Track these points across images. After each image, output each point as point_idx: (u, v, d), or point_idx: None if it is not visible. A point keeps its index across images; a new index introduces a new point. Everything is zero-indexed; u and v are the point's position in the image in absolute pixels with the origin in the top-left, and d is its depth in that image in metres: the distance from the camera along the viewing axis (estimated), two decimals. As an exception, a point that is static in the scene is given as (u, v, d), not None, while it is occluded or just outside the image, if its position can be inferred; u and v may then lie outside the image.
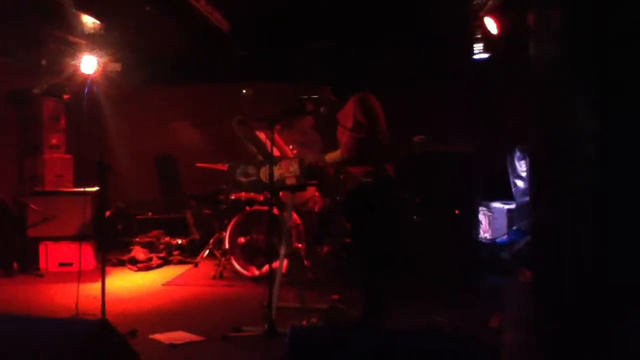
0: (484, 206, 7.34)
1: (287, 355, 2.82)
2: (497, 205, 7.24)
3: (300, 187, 4.47)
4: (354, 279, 4.75)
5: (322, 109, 4.81)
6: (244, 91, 6.72)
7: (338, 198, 5.70)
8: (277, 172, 4.32)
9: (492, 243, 6.92)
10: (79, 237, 6.08)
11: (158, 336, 4.28)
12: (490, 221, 7.31)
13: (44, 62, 6.54)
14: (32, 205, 6.49)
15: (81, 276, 5.03)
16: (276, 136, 4.56)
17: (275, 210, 5.50)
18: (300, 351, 2.80)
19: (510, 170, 7.18)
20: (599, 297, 2.41)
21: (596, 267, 2.43)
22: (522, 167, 7.04)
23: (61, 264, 6.46)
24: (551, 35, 2.62)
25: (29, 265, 6.42)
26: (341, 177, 4.97)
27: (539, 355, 2.70)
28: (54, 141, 7.07)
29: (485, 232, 7.32)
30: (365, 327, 3.92)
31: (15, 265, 6.35)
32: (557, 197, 2.59)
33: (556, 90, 2.65)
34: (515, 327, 3.27)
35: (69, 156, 7.12)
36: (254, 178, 4.50)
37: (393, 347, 2.45)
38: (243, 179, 4.55)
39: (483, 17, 6.09)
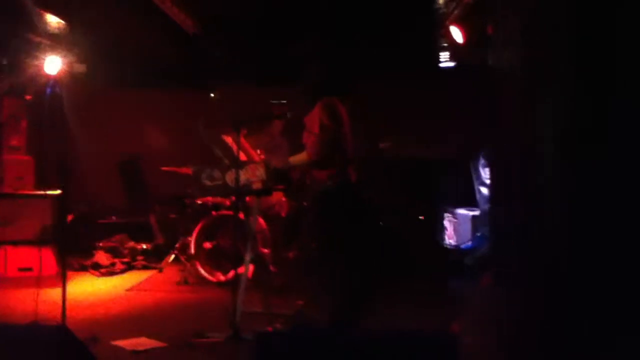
0: (450, 212, 7.42)
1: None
2: (462, 211, 7.32)
3: (266, 191, 4.46)
4: (319, 284, 4.74)
5: (289, 114, 4.82)
6: (212, 95, 6.68)
7: (305, 203, 5.70)
8: (243, 176, 4.30)
9: (457, 249, 7.00)
10: (39, 242, 5.94)
11: (120, 342, 4.21)
12: (456, 227, 7.39)
13: (4, 61, 6.37)
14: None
15: (41, 281, 4.92)
16: (243, 140, 4.54)
17: (241, 215, 5.46)
18: (265, 356, 2.78)
19: (474, 177, 7.27)
20: (558, 295, 2.46)
21: (554, 265, 2.48)
22: (486, 174, 7.13)
23: (20, 269, 6.30)
24: (509, 44, 2.69)
25: (-15, 270, 6.25)
26: (307, 181, 4.98)
27: (498, 356, 2.74)
28: (14, 142, 6.89)
29: (450, 238, 7.39)
30: (330, 332, 3.92)
31: (-28, 270, 6.18)
32: (513, 197, 2.65)
33: (514, 98, 2.71)
34: (474, 330, 3.32)
35: (29, 158, 6.95)
36: (219, 182, 4.46)
37: (358, 351, 2.45)
38: (209, 183, 4.51)
39: (449, 25, 6.17)
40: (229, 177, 4.37)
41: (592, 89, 2.43)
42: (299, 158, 4.30)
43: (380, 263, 5.30)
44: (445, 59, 6.74)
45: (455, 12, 5.99)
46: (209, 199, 6.14)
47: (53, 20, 6.36)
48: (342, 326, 4.02)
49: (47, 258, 6.26)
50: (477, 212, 7.16)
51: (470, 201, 7.27)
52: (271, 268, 5.88)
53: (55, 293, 4.75)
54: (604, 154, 2.38)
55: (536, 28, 2.58)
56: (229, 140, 5.06)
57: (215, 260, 6.01)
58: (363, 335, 2.79)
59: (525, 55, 2.62)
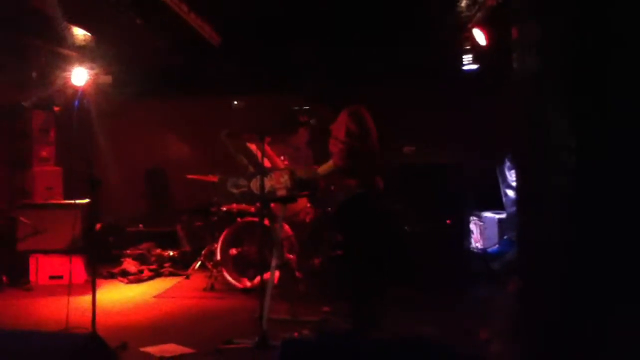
0: (476, 216, 7.37)
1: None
2: (488, 215, 7.26)
3: (291, 198, 4.49)
4: (345, 291, 4.75)
5: (312, 121, 4.85)
6: (235, 103, 6.74)
7: (329, 209, 5.71)
8: (268, 183, 4.33)
9: (484, 253, 6.94)
10: (69, 250, 6.05)
11: (149, 349, 4.26)
12: (482, 231, 7.34)
13: (34, 74, 6.52)
14: (22, 219, 6.44)
15: (72, 289, 5.00)
16: (267, 147, 4.58)
17: (267, 222, 5.50)
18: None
19: (500, 180, 7.22)
20: (585, 305, 2.44)
21: (579, 273, 2.46)
22: (512, 176, 7.08)
23: (51, 277, 6.41)
24: (531, 48, 2.68)
25: (18, 278, 6.37)
26: (332, 188, 5.00)
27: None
28: (43, 154, 7.05)
29: (476, 242, 7.34)
30: (355, 339, 3.92)
31: (4, 278, 6.30)
32: (539, 205, 2.63)
33: (535, 103, 2.70)
34: (501, 337, 3.29)
35: (58, 169, 7.09)
36: (244, 189, 4.51)
37: (382, 358, 2.46)
38: (234, 191, 4.56)
39: (472, 28, 6.14)
40: (254, 184, 4.41)
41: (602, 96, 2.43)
42: (326, 167, 4.33)
43: (405, 269, 5.30)
44: (468, 62, 6.70)
45: (479, 14, 5.96)
46: (234, 206, 6.18)
47: (80, 33, 6.49)
48: (366, 333, 4.02)
49: (77, 266, 6.37)
50: (503, 215, 7.11)
51: (496, 204, 7.22)
52: (297, 274, 5.89)
53: (85, 300, 4.84)
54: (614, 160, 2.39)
55: (556, 34, 2.57)
56: (253, 147, 5.10)
57: (241, 266, 6.04)
58: (387, 343, 2.79)
59: (545, 61, 2.61)
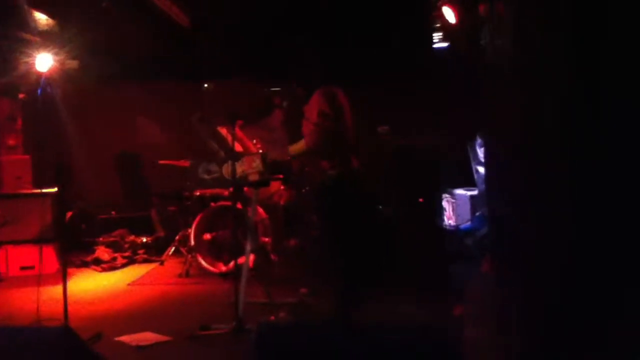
0: (448, 193, 7.43)
1: (253, 351, 2.81)
2: (460, 192, 7.33)
3: (263, 182, 4.46)
4: (322, 273, 4.76)
5: (284, 103, 4.81)
6: (205, 86, 6.66)
7: (304, 190, 5.71)
8: (239, 168, 4.30)
9: (456, 229, 7.01)
10: (39, 240, 5.95)
11: (124, 338, 4.24)
12: (454, 208, 7.40)
13: (-5, 60, 6.34)
14: (-10, 209, 6.31)
15: (44, 279, 4.94)
16: (238, 131, 4.54)
17: (240, 206, 5.47)
18: (266, 347, 2.80)
19: (471, 157, 7.27)
20: (561, 285, 2.47)
21: (551, 252, 2.49)
22: (482, 154, 7.13)
23: (22, 268, 6.31)
24: (500, 27, 2.67)
25: (-13, 270, 6.27)
26: (306, 169, 4.98)
27: (499, 343, 2.76)
28: (11, 142, 6.88)
29: (449, 219, 7.41)
30: (333, 322, 3.95)
31: (-26, 270, 6.19)
32: (508, 189, 2.65)
33: (506, 82, 2.70)
34: (475, 316, 3.33)
35: (27, 157, 6.94)
36: (216, 175, 4.47)
37: (360, 342, 2.47)
38: (206, 176, 4.52)
39: (441, 6, 6.13)
40: (226, 169, 4.37)
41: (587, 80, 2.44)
42: (297, 147, 4.30)
43: (381, 250, 5.33)
44: (438, 40, 6.70)
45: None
46: (207, 191, 6.14)
47: (42, 18, 6.32)
48: (343, 315, 4.04)
49: (48, 256, 6.26)
50: (475, 192, 7.18)
51: (468, 181, 7.28)
52: (272, 257, 5.90)
53: (57, 290, 4.78)
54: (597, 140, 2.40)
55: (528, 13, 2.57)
56: (224, 131, 5.05)
57: (215, 251, 6.02)
58: (364, 325, 2.81)
59: (516, 39, 2.61)
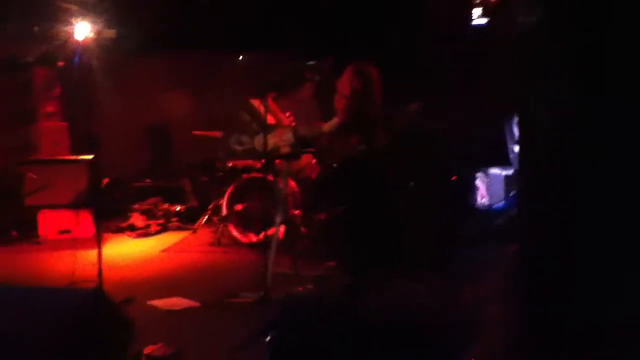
0: (482, 172, 7.34)
1: (280, 321, 2.86)
2: (495, 171, 7.23)
3: (294, 155, 4.47)
4: (347, 247, 4.78)
5: (316, 77, 4.79)
6: (240, 58, 6.64)
7: (334, 165, 5.70)
8: (271, 140, 4.32)
9: (490, 209, 6.94)
10: (75, 205, 6.10)
11: (155, 302, 4.34)
12: (488, 187, 7.32)
13: (36, 28, 6.45)
14: (29, 174, 6.47)
15: (80, 243, 5.08)
16: (271, 103, 4.54)
17: (271, 178, 5.50)
18: (293, 318, 2.84)
19: (508, 136, 7.16)
20: (585, 268, 2.44)
21: (576, 238, 2.46)
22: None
23: (60, 232, 6.50)
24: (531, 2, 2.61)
25: (28, 233, 6.46)
26: (336, 144, 4.98)
27: (521, 328, 2.74)
28: (49, 109, 7.02)
29: (482, 199, 7.33)
30: (353, 295, 3.97)
31: (14, 233, 6.40)
32: (537, 166, 2.61)
33: (537, 59, 2.64)
34: (500, 298, 3.31)
35: (64, 124, 7.09)
36: (248, 147, 4.50)
37: (380, 317, 2.49)
38: (238, 148, 4.55)
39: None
40: (257, 141, 4.40)
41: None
42: (331, 124, 4.31)
43: (408, 226, 5.29)
44: (477, 16, 6.57)
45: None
46: (239, 162, 6.19)
47: (82, -14, 6.39)
48: (362, 289, 4.06)
49: (84, 221, 6.44)
50: (510, 172, 7.08)
51: (503, 160, 7.17)
52: (302, 230, 5.93)
53: (92, 254, 4.90)
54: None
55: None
56: (256, 103, 5.06)
57: (246, 222, 6.08)
58: (387, 298, 2.82)
59: (549, 13, 2.54)
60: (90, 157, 6.19)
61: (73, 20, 5.97)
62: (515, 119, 7.02)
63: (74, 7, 6.33)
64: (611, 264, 2.39)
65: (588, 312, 2.43)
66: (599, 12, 2.39)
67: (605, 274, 2.40)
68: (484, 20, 6.44)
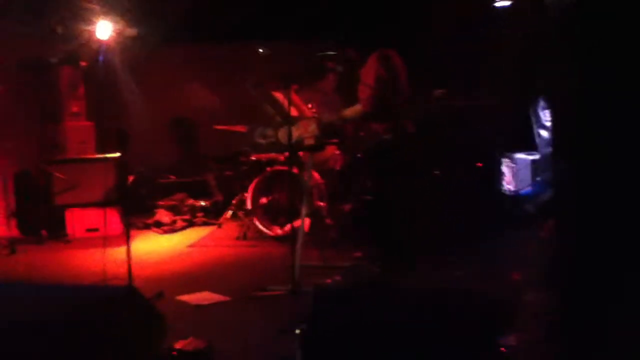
0: (508, 157, 7.24)
1: (310, 313, 2.85)
2: (520, 156, 7.12)
3: (318, 147, 4.45)
4: (374, 236, 4.75)
5: (339, 67, 4.75)
6: (260, 50, 6.62)
7: (359, 155, 5.66)
8: (295, 132, 4.31)
9: (516, 195, 6.84)
10: (103, 203, 6.16)
11: (185, 297, 4.36)
12: (514, 172, 7.21)
13: (59, 29, 6.51)
14: (56, 174, 6.56)
15: (108, 241, 5.12)
16: (294, 95, 4.51)
17: (296, 170, 5.49)
18: (323, 309, 2.83)
19: (534, 120, 7.04)
20: (617, 254, 2.38)
21: (615, 224, 2.40)
22: (546, 116, 6.89)
23: (88, 230, 6.58)
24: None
25: (57, 232, 6.55)
26: (361, 133, 4.94)
27: (555, 311, 2.69)
28: (74, 109, 7.10)
29: (508, 184, 7.23)
30: (385, 284, 3.95)
31: (44, 232, 6.49)
32: (577, 151, 2.54)
33: (571, 40, 2.57)
34: (534, 284, 3.26)
35: (90, 123, 7.16)
36: (272, 139, 4.49)
37: (411, 305, 2.46)
38: (262, 141, 4.55)
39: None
40: (281, 134, 4.38)
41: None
42: (354, 110, 4.27)
43: (436, 214, 5.24)
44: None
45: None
46: (263, 155, 6.18)
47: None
48: (395, 277, 4.03)
49: (112, 219, 6.50)
50: (536, 157, 6.97)
51: (529, 144, 7.06)
52: (328, 221, 5.92)
53: (121, 252, 4.95)
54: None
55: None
56: (279, 96, 5.03)
57: (272, 214, 6.09)
58: (416, 288, 2.79)
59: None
60: (116, 154, 6.25)
61: (95, 20, 5.99)
62: (542, 103, 6.92)
63: (95, 7, 6.36)
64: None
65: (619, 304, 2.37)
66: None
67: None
68: (507, 3, 6.32)
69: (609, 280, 2.40)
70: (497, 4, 6.42)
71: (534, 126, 7.05)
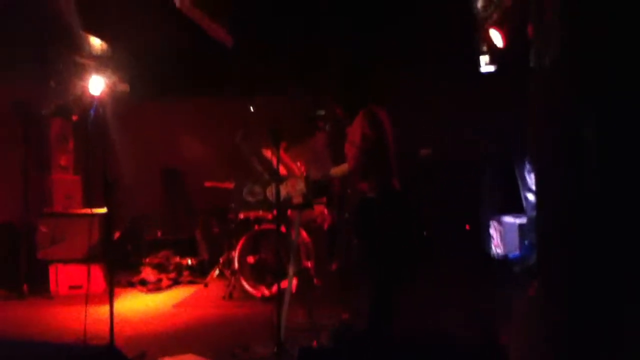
0: (496, 220, 7.26)
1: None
2: (508, 219, 7.15)
3: (306, 205, 4.43)
4: (362, 295, 4.68)
5: (327, 126, 4.79)
6: (251, 108, 6.70)
7: (347, 215, 5.65)
8: (283, 190, 4.29)
9: (505, 258, 6.83)
10: (87, 260, 6.07)
11: (167, 359, 4.24)
12: (502, 236, 7.22)
13: (52, 82, 6.57)
14: (41, 228, 6.48)
15: (91, 299, 5.00)
16: (282, 153, 4.53)
17: (284, 229, 5.46)
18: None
19: (521, 184, 7.10)
20: (604, 294, 2.37)
21: (599, 265, 2.39)
22: (532, 179, 6.96)
23: (71, 287, 6.43)
24: (550, 46, 2.61)
25: (39, 287, 6.40)
26: (348, 191, 4.94)
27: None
28: (62, 162, 7.09)
29: (497, 247, 7.23)
30: (371, 340, 3.85)
31: (25, 287, 6.33)
32: (558, 199, 2.56)
33: (555, 100, 2.63)
34: (521, 338, 3.21)
35: (77, 177, 7.14)
36: (260, 197, 4.47)
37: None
38: (250, 199, 4.54)
39: (488, 29, 6.06)
40: (270, 192, 4.37)
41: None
42: (340, 169, 4.26)
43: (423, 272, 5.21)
44: (485, 63, 6.62)
45: (495, 15, 5.88)
46: (251, 213, 6.16)
47: (97, 42, 6.53)
48: (382, 335, 3.94)
49: (95, 275, 6.39)
50: (524, 220, 6.99)
51: (516, 208, 7.10)
52: (315, 281, 5.85)
53: (104, 310, 4.83)
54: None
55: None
56: (268, 153, 5.06)
57: (259, 274, 6.01)
58: (405, 345, 2.73)
59: (565, 56, 2.54)
60: (102, 210, 6.21)
61: (88, 75, 6.07)
62: (528, 167, 7.00)
63: (89, 62, 6.45)
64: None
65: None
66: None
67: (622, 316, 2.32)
68: (492, 68, 6.48)
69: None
70: (482, 69, 6.57)
71: (521, 190, 7.11)
